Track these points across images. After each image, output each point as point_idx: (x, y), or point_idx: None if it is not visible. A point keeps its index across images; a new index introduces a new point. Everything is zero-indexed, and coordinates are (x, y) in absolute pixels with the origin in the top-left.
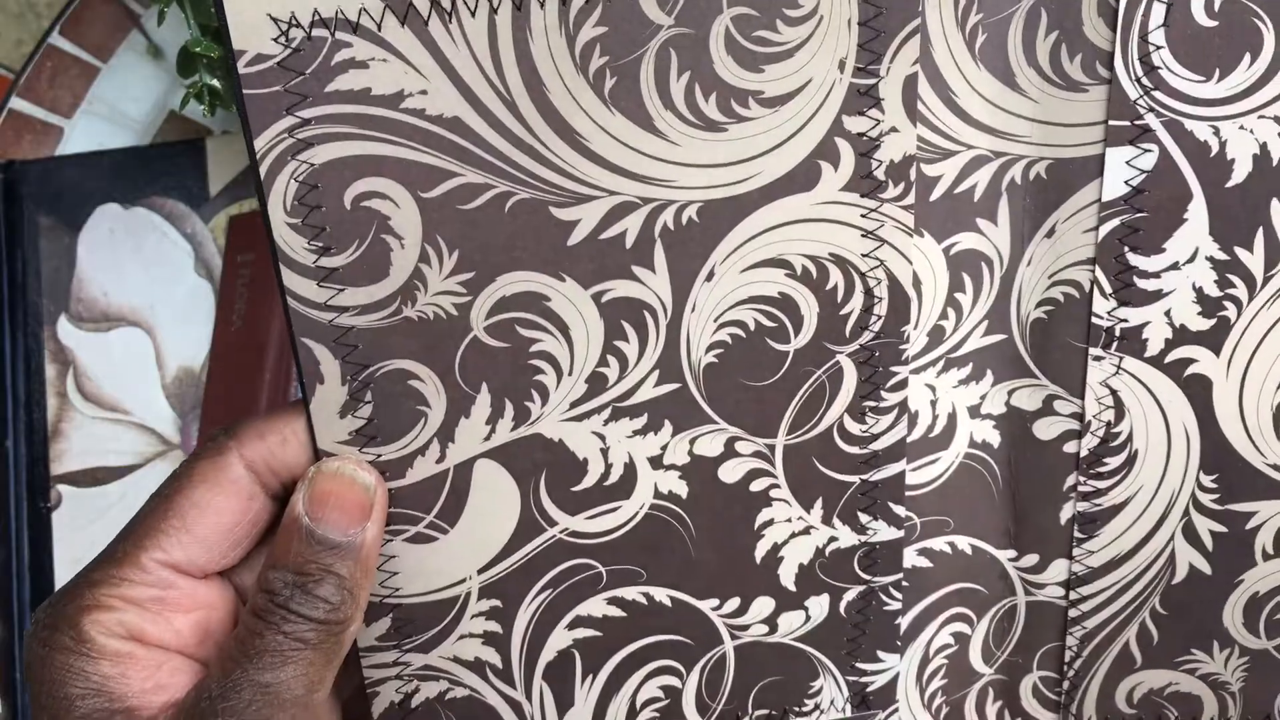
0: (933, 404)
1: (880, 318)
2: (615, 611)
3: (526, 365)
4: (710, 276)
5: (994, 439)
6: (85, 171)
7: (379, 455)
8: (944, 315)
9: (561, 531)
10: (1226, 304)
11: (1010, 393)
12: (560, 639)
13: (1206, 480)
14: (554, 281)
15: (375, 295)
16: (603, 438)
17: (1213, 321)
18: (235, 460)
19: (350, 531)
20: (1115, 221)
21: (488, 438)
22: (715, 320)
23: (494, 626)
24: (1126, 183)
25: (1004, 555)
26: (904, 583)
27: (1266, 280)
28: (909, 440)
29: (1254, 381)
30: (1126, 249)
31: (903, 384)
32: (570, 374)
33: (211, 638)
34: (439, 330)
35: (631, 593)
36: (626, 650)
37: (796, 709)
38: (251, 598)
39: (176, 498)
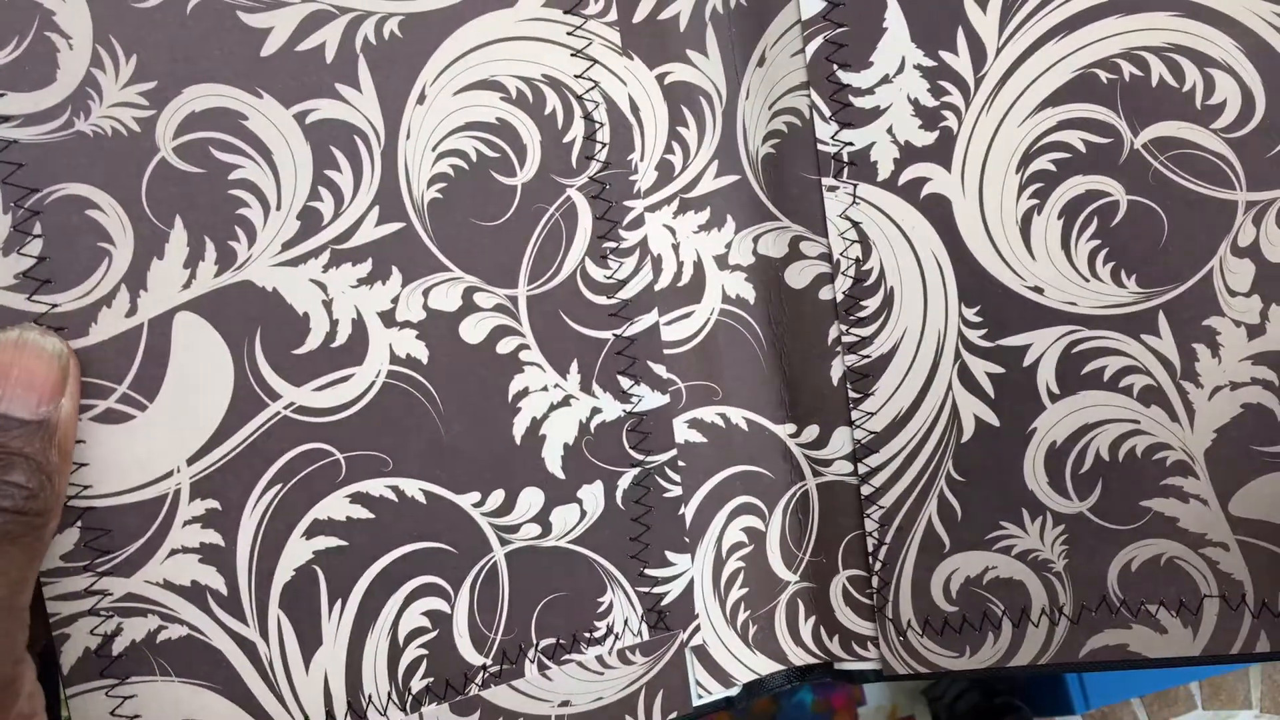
0: (675, 248)
1: (604, 145)
2: (360, 512)
3: (227, 196)
4: (422, 99)
5: (748, 294)
6: None
7: (54, 306)
8: (670, 150)
9: (286, 407)
10: (946, 113)
11: (756, 239)
12: (298, 552)
13: (970, 314)
14: (249, 98)
15: (41, 103)
16: (324, 287)
17: (936, 134)
18: None
19: (40, 410)
20: (819, 40)
21: (187, 284)
22: (434, 149)
23: (213, 537)
24: None
25: (783, 431)
26: (680, 462)
27: (979, 82)
28: (658, 289)
29: (992, 194)
30: (836, 67)
31: (639, 221)
32: (279, 208)
33: None
34: (120, 149)
35: (378, 486)
36: (380, 564)
37: (588, 635)
38: None
39: None
